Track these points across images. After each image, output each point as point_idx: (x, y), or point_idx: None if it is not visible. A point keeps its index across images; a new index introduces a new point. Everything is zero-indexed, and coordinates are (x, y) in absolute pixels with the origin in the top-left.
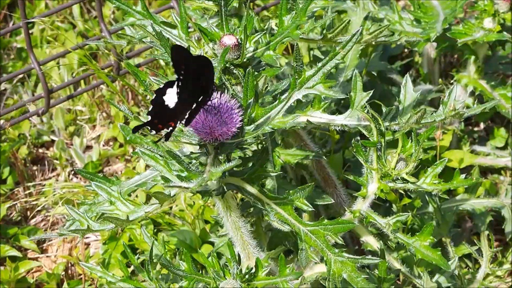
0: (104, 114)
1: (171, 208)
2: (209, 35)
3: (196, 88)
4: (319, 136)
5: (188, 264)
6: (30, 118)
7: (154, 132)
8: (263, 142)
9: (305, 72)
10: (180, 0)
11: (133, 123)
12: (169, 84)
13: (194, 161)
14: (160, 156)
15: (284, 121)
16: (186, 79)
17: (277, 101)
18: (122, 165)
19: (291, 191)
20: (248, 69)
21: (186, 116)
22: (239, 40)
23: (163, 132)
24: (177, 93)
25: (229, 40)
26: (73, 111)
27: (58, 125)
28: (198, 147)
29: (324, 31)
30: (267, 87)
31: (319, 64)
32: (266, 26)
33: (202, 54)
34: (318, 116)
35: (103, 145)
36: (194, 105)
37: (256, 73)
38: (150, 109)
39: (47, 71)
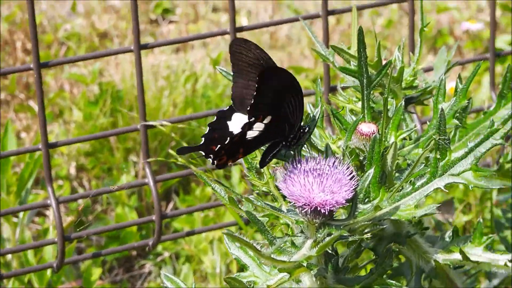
0: None
1: None
2: (344, 123)
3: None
4: None
5: None
6: None
7: (213, 162)
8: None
9: (450, 153)
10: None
11: None
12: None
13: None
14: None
15: (414, 212)
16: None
17: (411, 187)
18: None
19: None
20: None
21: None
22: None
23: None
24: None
25: (367, 128)
26: None
27: None
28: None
29: None
30: (398, 165)
31: (470, 144)
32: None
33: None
34: (477, 254)
35: None
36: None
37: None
38: (206, 132)
39: None
